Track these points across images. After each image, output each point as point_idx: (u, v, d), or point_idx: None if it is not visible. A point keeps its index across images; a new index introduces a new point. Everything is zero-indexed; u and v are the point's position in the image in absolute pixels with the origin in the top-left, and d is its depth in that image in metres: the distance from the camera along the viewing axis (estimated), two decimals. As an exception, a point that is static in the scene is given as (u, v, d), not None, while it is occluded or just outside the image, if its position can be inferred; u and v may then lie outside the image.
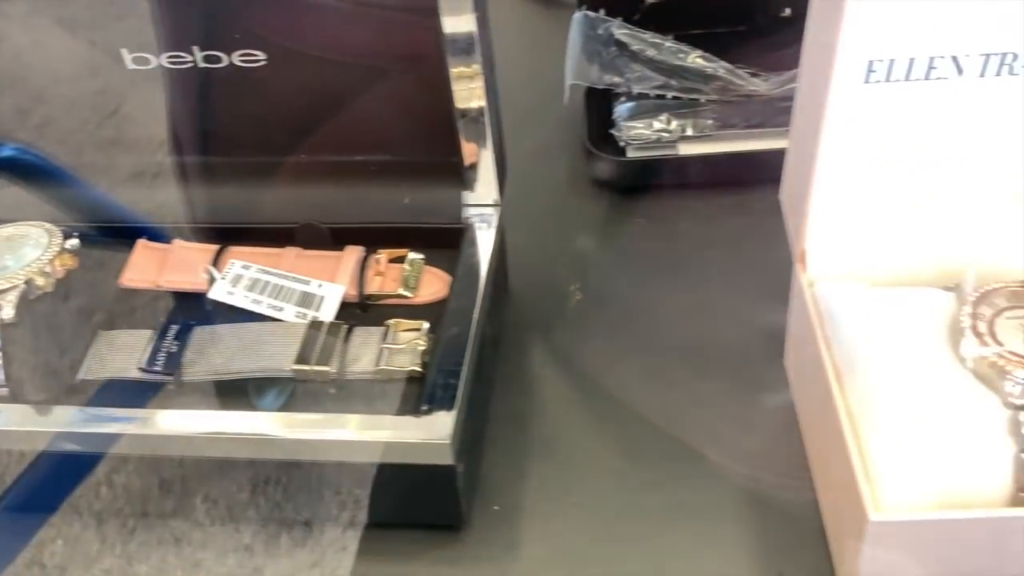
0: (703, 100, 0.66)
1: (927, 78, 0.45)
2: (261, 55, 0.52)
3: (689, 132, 0.63)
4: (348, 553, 0.46)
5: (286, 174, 0.56)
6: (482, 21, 0.48)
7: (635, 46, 0.64)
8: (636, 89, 0.66)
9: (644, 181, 0.64)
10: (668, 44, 0.65)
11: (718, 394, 0.51)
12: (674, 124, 0.63)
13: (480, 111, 0.51)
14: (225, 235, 0.55)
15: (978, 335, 0.40)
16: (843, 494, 0.41)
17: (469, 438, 0.47)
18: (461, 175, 0.54)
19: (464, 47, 0.48)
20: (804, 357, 0.48)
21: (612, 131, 0.64)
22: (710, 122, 0.63)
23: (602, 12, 0.65)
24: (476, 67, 0.49)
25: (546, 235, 0.63)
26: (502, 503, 0.48)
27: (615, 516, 0.47)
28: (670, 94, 0.66)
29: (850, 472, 0.39)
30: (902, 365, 0.41)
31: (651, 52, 0.64)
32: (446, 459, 0.43)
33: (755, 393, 0.51)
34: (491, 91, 0.51)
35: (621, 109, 0.66)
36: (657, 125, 0.63)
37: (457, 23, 0.47)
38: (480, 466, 0.49)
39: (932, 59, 0.45)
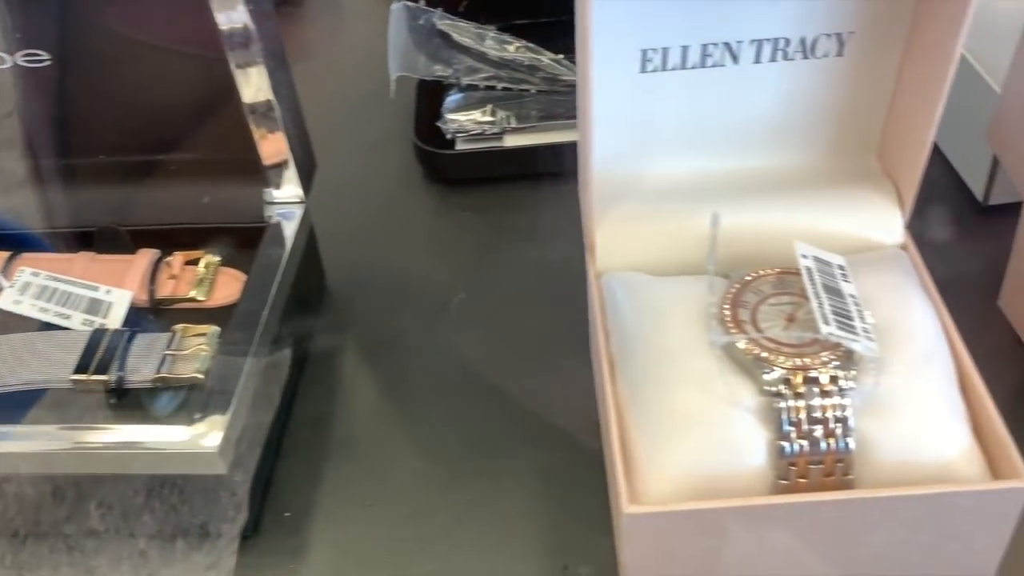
0: (533, 91, 0.65)
1: (703, 66, 0.45)
2: (45, 55, 0.50)
3: (513, 123, 0.63)
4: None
5: (84, 176, 0.54)
6: (260, 13, 0.47)
7: (457, 37, 0.63)
8: (465, 81, 0.65)
9: (472, 173, 0.64)
10: (491, 35, 0.64)
11: (525, 389, 0.51)
12: (498, 115, 0.63)
13: (269, 105, 0.49)
14: (19, 241, 0.53)
15: (737, 322, 0.40)
16: (612, 487, 0.41)
17: (256, 444, 0.46)
18: (260, 172, 0.52)
19: (241, 40, 0.47)
20: (593, 349, 0.48)
21: (438, 123, 0.64)
22: (534, 113, 0.63)
23: (422, 2, 0.64)
24: (257, 60, 0.48)
25: (370, 230, 0.62)
26: (295, 508, 0.47)
27: (410, 517, 0.46)
28: (500, 85, 0.65)
29: (612, 464, 0.39)
30: (669, 355, 0.41)
31: (474, 43, 0.64)
32: (217, 468, 0.42)
33: (561, 387, 0.51)
34: (282, 85, 0.50)
35: (449, 101, 0.65)
36: (480, 117, 0.62)
37: (231, 17, 0.46)
38: (274, 471, 0.48)
39: (706, 46, 0.45)
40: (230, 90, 0.49)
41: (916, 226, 0.59)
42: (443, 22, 0.64)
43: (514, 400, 0.50)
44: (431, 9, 0.64)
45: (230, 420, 0.43)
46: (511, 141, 0.63)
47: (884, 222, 0.46)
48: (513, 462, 0.48)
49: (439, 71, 0.65)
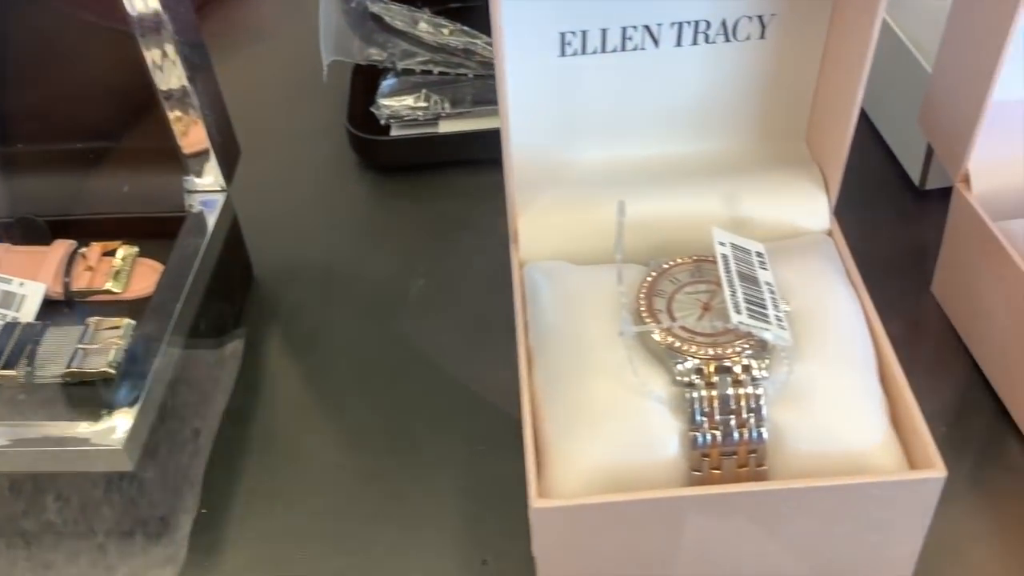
0: (470, 76, 0.64)
1: (623, 49, 0.44)
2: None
3: (448, 109, 0.61)
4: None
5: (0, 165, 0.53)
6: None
7: (390, 20, 0.62)
8: (401, 65, 0.64)
9: (406, 160, 0.62)
10: (425, 18, 0.63)
11: (451, 381, 0.50)
12: (431, 101, 0.61)
13: (184, 92, 0.48)
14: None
15: (652, 311, 0.39)
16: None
17: (172, 439, 0.45)
18: (179, 160, 0.51)
19: (152, 26, 0.45)
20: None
21: (372, 109, 0.62)
22: (469, 98, 0.62)
23: (354, -15, 0.62)
24: (170, 45, 0.46)
25: (301, 219, 0.60)
26: (212, 504, 0.46)
27: (328, 511, 0.45)
28: (436, 70, 0.64)
29: (526, 458, 0.38)
30: (585, 346, 0.40)
31: (407, 27, 0.62)
32: (124, 465, 0.41)
33: (487, 379, 0.50)
34: (199, 70, 0.49)
35: (384, 86, 0.63)
36: (414, 102, 0.61)
37: (140, 2, 0.45)
38: (192, 467, 0.47)
39: (626, 29, 0.44)
40: (142, 77, 0.47)
41: (852, 211, 0.59)
42: (375, 5, 0.62)
43: (438, 393, 0.49)
44: (363, -9, 0.63)
45: (137, 415, 0.41)
46: (446, 127, 0.62)
47: (810, 208, 0.46)
48: (435, 455, 0.47)
49: (374, 55, 0.64)
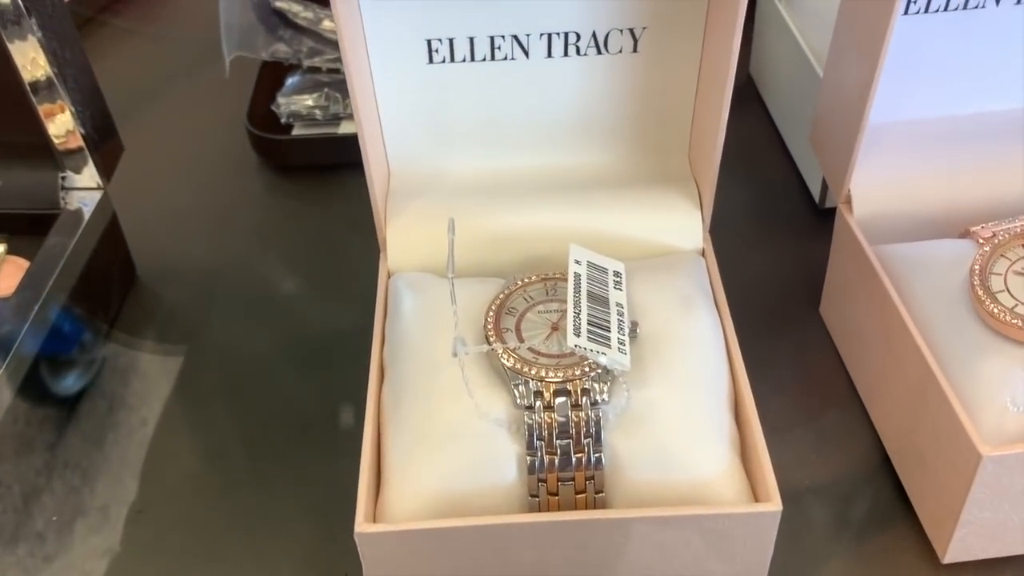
0: (380, 75, 0.63)
1: (493, 59, 0.43)
2: None
3: (349, 109, 0.60)
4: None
5: None
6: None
7: (292, 16, 0.61)
8: (307, 63, 0.63)
9: (303, 160, 0.61)
10: (329, 16, 0.62)
11: (319, 393, 0.49)
12: (330, 100, 0.60)
13: (51, 84, 0.47)
14: None
15: (498, 330, 0.38)
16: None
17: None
18: (52, 156, 0.50)
19: (12, 17, 0.44)
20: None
21: (272, 107, 0.61)
22: (370, 99, 0.61)
23: (254, -20, 0.61)
24: (33, 39, 0.45)
25: (194, 219, 0.59)
26: (62, 513, 0.44)
27: (181, 523, 0.44)
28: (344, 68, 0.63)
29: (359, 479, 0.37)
30: (434, 364, 0.39)
31: (311, 24, 0.61)
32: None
33: (358, 389, 0.49)
34: (69, 64, 0.47)
35: (288, 84, 0.62)
36: (312, 102, 0.60)
37: (-4, -7, 0.44)
38: (52, 470, 0.46)
39: (494, 39, 0.43)
40: (11, 69, 0.46)
41: (754, 227, 0.58)
42: (279, 2, 0.61)
43: (306, 403, 0.48)
44: (267, -12, 0.61)
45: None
46: (346, 128, 0.60)
47: (683, 226, 0.45)
48: (295, 469, 0.46)
49: (281, 51, 0.63)
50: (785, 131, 0.61)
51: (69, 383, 0.49)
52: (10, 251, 0.50)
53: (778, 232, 0.57)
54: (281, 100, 0.60)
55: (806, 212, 0.58)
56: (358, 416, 0.48)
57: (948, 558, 0.40)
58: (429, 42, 0.42)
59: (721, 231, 0.47)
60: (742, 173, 0.60)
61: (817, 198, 0.57)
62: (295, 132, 0.61)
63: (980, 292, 0.40)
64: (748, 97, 0.66)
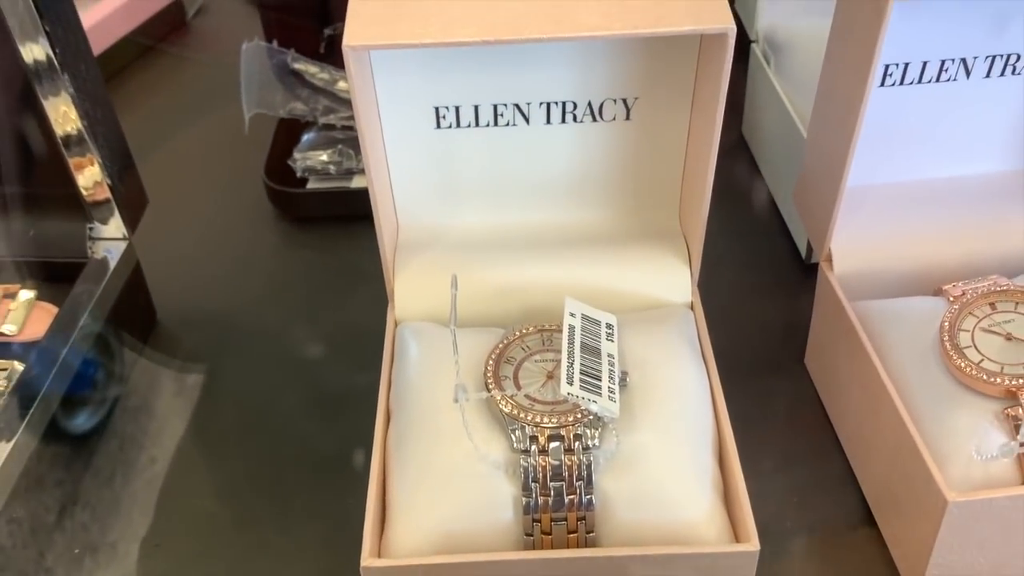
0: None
1: (496, 124, 0.46)
2: None
3: (362, 164, 0.63)
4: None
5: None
6: (69, 44, 0.48)
7: (309, 78, 0.64)
8: (322, 120, 0.66)
9: (318, 212, 0.64)
10: (344, 78, 0.65)
11: (329, 430, 0.52)
12: (344, 156, 0.63)
13: (82, 138, 0.50)
14: None
15: (497, 378, 0.41)
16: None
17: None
18: (81, 207, 0.53)
19: (47, 73, 0.47)
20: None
21: (289, 161, 0.64)
22: (381, 155, 0.64)
23: (275, 43, 0.65)
24: (66, 95, 0.48)
25: (212, 268, 0.62)
26: (86, 545, 0.47)
27: (194, 556, 0.46)
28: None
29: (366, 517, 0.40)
30: (436, 408, 0.42)
31: (327, 85, 0.65)
32: (-11, 504, 0.43)
33: (369, 432, 0.51)
34: (98, 120, 0.50)
35: (304, 140, 0.66)
36: (327, 157, 0.63)
37: (34, 49, 0.47)
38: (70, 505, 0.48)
39: (496, 107, 0.46)
40: (39, 123, 0.49)
41: (742, 281, 0.61)
42: (296, 63, 0.65)
43: (319, 445, 0.51)
44: (284, 50, 0.65)
45: (7, 456, 0.43)
46: (359, 182, 0.64)
47: (672, 280, 0.48)
48: (305, 506, 0.48)
49: (298, 109, 0.66)
50: (774, 189, 0.64)
51: (82, 421, 0.51)
52: (39, 297, 0.53)
53: (766, 286, 0.59)
54: (297, 155, 0.64)
55: (793, 267, 0.60)
56: (365, 457, 0.51)
57: (921, 599, 0.42)
58: (437, 109, 0.45)
59: (711, 285, 0.49)
60: (733, 229, 0.63)
61: (803, 254, 0.60)
62: (310, 186, 0.64)
63: (949, 347, 0.42)
64: (739, 157, 0.69)
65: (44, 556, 0.46)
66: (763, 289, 0.59)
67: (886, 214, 0.50)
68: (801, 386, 0.53)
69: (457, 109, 0.45)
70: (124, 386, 0.54)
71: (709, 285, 0.49)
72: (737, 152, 0.70)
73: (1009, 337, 0.43)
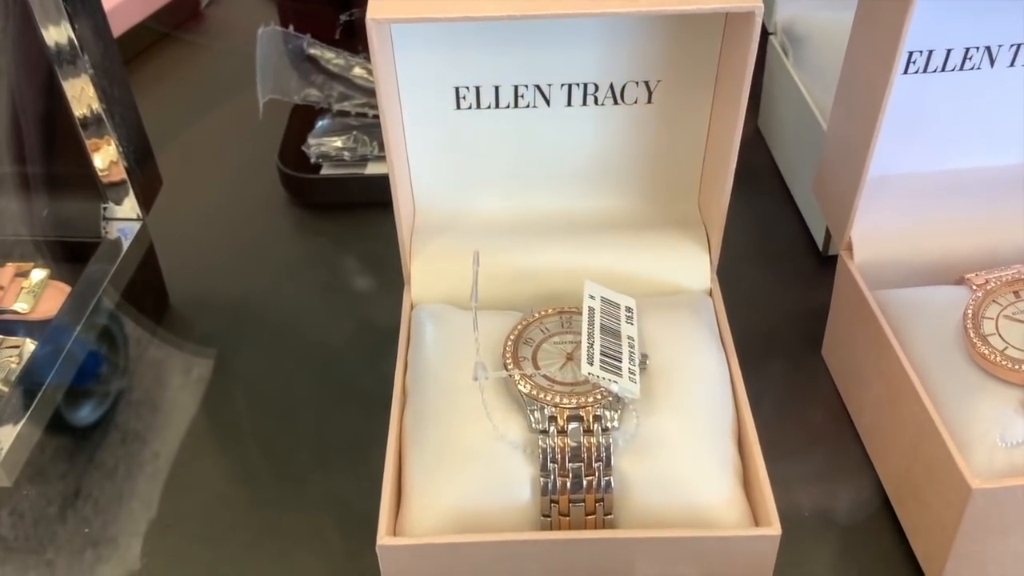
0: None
1: (516, 106, 0.46)
2: None
3: (375, 151, 0.63)
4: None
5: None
6: (90, 28, 0.47)
7: (325, 63, 0.64)
8: (336, 107, 0.66)
9: (332, 198, 0.64)
10: (359, 63, 0.65)
11: (344, 413, 0.51)
12: (359, 142, 0.63)
13: (100, 120, 0.50)
14: None
15: (516, 359, 0.41)
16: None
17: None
18: (97, 188, 0.53)
19: (68, 56, 0.47)
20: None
21: (303, 148, 0.64)
22: (396, 142, 0.64)
23: (291, 28, 0.64)
24: (86, 76, 0.48)
25: (225, 251, 0.62)
26: (97, 525, 0.46)
27: (205, 538, 0.46)
28: (371, 113, 0.66)
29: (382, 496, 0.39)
30: (454, 388, 0.41)
31: (342, 71, 0.64)
32: (1, 481, 0.42)
33: (382, 415, 0.51)
34: (116, 101, 0.50)
35: (319, 127, 0.65)
36: (341, 144, 0.63)
37: (56, 31, 0.47)
38: (82, 485, 0.48)
39: (517, 88, 0.46)
40: (59, 104, 0.49)
41: (759, 272, 0.61)
42: (312, 49, 0.64)
43: (332, 428, 0.50)
44: (300, 35, 0.65)
45: (18, 434, 0.43)
46: (373, 169, 0.63)
47: (692, 267, 0.47)
48: (317, 490, 0.48)
49: (312, 95, 0.66)
50: (791, 181, 0.64)
51: (91, 407, 0.51)
52: (52, 276, 0.53)
53: (782, 278, 0.59)
54: (312, 141, 0.63)
55: (810, 259, 0.60)
56: (380, 441, 0.50)
57: (941, 589, 0.42)
58: (457, 89, 0.45)
59: (730, 275, 0.49)
60: (751, 221, 0.63)
61: (820, 246, 0.59)
62: (324, 172, 0.64)
63: (972, 335, 0.42)
64: (756, 149, 0.69)
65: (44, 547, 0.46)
66: (780, 280, 0.59)
67: (907, 204, 0.50)
68: (818, 376, 0.53)
69: (477, 89, 0.45)
70: (135, 368, 0.54)
71: (727, 275, 0.49)
72: (754, 144, 0.69)
73: (1033, 325, 0.42)
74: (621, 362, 0.39)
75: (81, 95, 0.49)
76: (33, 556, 0.45)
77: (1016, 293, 0.43)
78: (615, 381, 0.38)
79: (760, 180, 0.67)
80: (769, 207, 0.65)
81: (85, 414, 0.50)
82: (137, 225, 0.53)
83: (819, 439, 0.50)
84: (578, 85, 0.45)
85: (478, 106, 0.46)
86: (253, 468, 0.49)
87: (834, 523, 0.46)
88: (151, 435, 0.50)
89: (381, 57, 0.40)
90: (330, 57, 0.64)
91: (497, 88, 0.45)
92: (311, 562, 0.45)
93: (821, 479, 0.48)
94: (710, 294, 0.47)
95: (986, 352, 0.41)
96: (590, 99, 0.46)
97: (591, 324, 0.40)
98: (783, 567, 0.44)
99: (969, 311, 0.43)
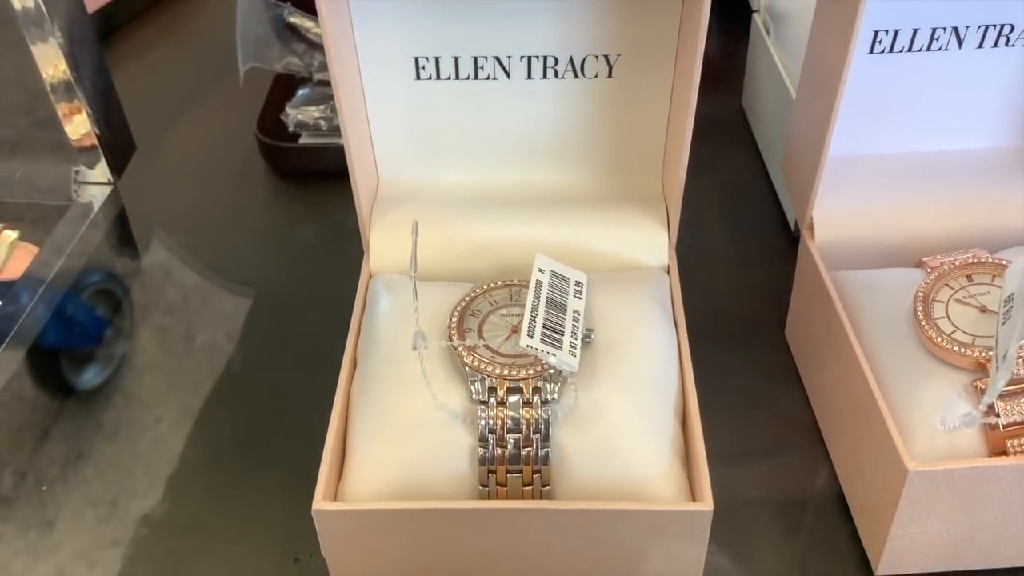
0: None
1: (476, 78, 0.46)
2: None
3: (353, 121, 0.63)
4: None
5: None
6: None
7: (305, 32, 0.64)
8: (317, 76, 0.66)
9: (308, 167, 0.64)
10: (339, 32, 0.65)
11: (305, 381, 0.52)
12: (335, 112, 0.63)
13: (69, 85, 0.50)
14: None
15: (461, 330, 0.41)
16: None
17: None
18: (68, 151, 0.53)
19: (34, 19, 0.48)
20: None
21: (281, 116, 0.64)
22: (373, 112, 0.64)
23: (273, -5, 0.64)
24: (54, 40, 0.48)
25: (200, 218, 0.62)
26: (51, 482, 0.47)
27: (159, 501, 0.46)
28: (352, 83, 0.66)
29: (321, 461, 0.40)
30: (400, 358, 0.41)
31: (321, 39, 0.64)
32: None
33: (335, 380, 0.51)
34: (87, 66, 0.51)
35: (298, 96, 0.66)
36: (318, 113, 0.63)
37: (23, -2, 0.47)
38: (43, 445, 0.49)
39: (477, 59, 0.45)
40: (27, 68, 0.50)
41: (730, 250, 0.60)
42: (292, 17, 0.64)
43: (295, 395, 0.51)
44: (281, 3, 0.65)
45: (-23, 390, 0.44)
46: (350, 139, 0.64)
47: (650, 243, 0.47)
48: (273, 458, 0.48)
49: (294, 64, 0.66)
50: (769, 160, 0.64)
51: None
52: (23, 238, 0.54)
53: (754, 257, 0.59)
54: (290, 110, 0.63)
55: (782, 239, 0.60)
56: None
57: (881, 570, 0.42)
58: (417, 59, 0.45)
59: (702, 253, 0.49)
60: (728, 200, 0.63)
61: (792, 226, 0.59)
62: (301, 141, 0.64)
63: (922, 318, 0.42)
64: (739, 129, 0.68)
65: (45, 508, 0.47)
66: (751, 260, 0.59)
67: (871, 185, 0.49)
68: (780, 356, 0.53)
69: (437, 60, 0.45)
70: (102, 330, 0.54)
71: (698, 252, 0.48)
72: (736, 123, 0.69)
73: (983, 309, 0.42)
74: (563, 336, 0.39)
75: (50, 62, 0.49)
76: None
77: (969, 277, 0.43)
78: (553, 354, 0.38)
79: (741, 159, 0.67)
80: (747, 187, 0.65)
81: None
82: (108, 189, 0.54)
83: (776, 418, 0.50)
84: (537, 58, 0.45)
85: (438, 76, 0.46)
86: (214, 433, 0.50)
87: (784, 502, 0.46)
88: (113, 399, 0.51)
89: (331, 24, 0.40)
90: (310, 26, 0.64)
91: (457, 59, 0.45)
92: (261, 525, 0.45)
93: (774, 459, 0.48)
94: (667, 271, 0.47)
95: (933, 335, 0.41)
96: (550, 72, 0.46)
97: (536, 297, 0.41)
98: (730, 543, 0.44)
99: (920, 293, 0.43)
